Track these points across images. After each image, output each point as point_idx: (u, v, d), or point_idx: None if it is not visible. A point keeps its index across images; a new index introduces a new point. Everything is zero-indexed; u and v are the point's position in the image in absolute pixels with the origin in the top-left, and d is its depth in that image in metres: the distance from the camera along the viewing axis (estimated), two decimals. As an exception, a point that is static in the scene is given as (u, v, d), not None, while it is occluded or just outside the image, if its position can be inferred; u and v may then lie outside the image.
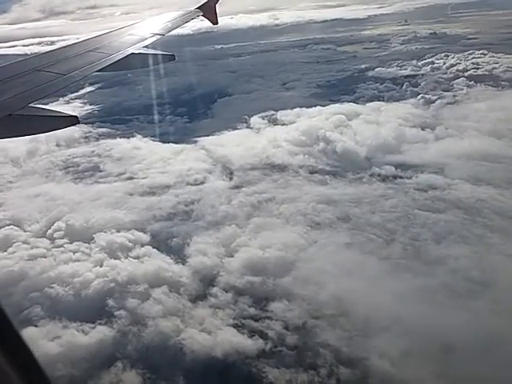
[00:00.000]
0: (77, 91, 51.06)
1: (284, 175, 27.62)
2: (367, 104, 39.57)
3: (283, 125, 35.75)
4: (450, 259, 18.27)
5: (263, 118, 37.56)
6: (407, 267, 18.16)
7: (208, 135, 34.66)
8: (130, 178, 28.49)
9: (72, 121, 4.59)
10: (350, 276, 17.94)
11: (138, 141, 34.60)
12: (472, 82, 43.77)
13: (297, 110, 38.34)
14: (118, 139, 35.39)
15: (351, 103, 39.82)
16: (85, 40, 7.59)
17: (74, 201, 25.71)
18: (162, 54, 7.41)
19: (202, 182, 27.27)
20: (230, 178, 27.94)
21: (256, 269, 18.81)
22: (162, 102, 43.97)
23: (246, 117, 37.75)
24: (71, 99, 49.66)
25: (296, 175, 27.47)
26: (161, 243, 21.39)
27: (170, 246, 21.15)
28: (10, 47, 76.11)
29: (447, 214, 21.84)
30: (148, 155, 31.81)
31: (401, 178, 25.97)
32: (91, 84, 52.39)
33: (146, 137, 35.24)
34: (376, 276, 17.86)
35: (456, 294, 16.25)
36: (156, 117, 40.20)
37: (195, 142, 33.79)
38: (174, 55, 7.54)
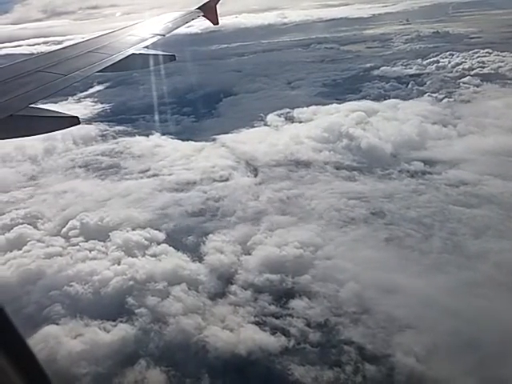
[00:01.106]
0: (86, 90, 51.20)
1: (310, 171, 27.72)
2: (383, 101, 39.90)
3: (300, 122, 35.87)
4: (491, 253, 18.21)
5: (279, 115, 37.68)
6: (450, 261, 18.15)
7: (226, 133, 34.81)
8: (156, 175, 28.59)
9: (73, 121, 4.55)
10: (396, 271, 17.93)
11: (157, 138, 34.66)
12: (479, 81, 43.73)
13: (313, 107, 38.49)
14: (137, 137, 35.49)
15: (367, 100, 40.17)
16: (85, 40, 7.62)
17: (104, 197, 25.85)
18: (163, 55, 7.40)
19: (228, 179, 27.41)
20: (255, 175, 28.09)
21: (304, 264, 18.88)
22: (170, 100, 44.19)
23: (262, 115, 37.96)
24: (81, 98, 49.76)
25: (323, 171, 27.55)
26: (180, 241, 21.34)
27: (194, 243, 21.17)
28: (15, 47, 76.12)
29: (482, 209, 21.80)
30: (170, 152, 31.85)
31: (430, 173, 26.02)
32: (100, 83, 52.48)
33: (163, 135, 35.32)
34: (421, 270, 17.84)
35: (504, 287, 16.16)
36: (167, 115, 40.39)
37: (214, 139, 33.91)
38: (174, 55, 7.51)
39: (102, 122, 39.23)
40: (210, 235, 21.65)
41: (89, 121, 40.61)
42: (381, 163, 27.47)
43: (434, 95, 40.35)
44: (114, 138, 36.22)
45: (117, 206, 24.48)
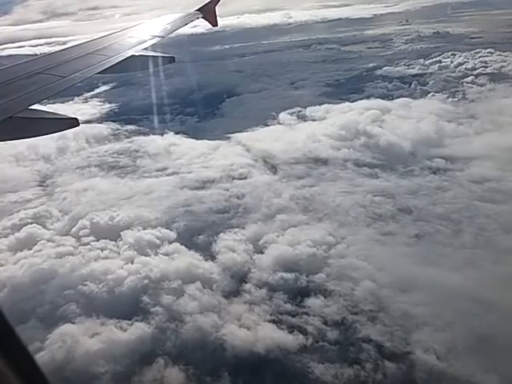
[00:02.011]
0: (92, 90, 51.19)
1: (331, 168, 27.76)
2: (394, 100, 39.97)
3: (314, 120, 35.87)
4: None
5: (291, 114, 37.79)
6: (483, 256, 18.14)
7: (239, 131, 34.86)
8: (175, 173, 28.59)
9: (72, 123, 4.56)
10: (430, 266, 17.90)
11: (171, 137, 34.63)
12: (482, 81, 43.78)
13: (325, 105, 38.73)
14: (151, 136, 35.41)
15: (378, 99, 40.30)
16: (85, 42, 7.63)
17: (127, 194, 25.94)
18: (162, 56, 7.41)
19: (248, 177, 27.49)
20: (275, 172, 28.18)
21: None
22: (176, 100, 44.32)
23: (274, 113, 38.05)
24: (87, 98, 49.73)
25: (343, 169, 27.60)
26: (191, 240, 21.30)
27: (205, 242, 21.16)
28: (18, 47, 75.91)
29: (509, 204, 21.80)
30: (186, 151, 31.85)
31: (452, 170, 26.05)
32: (105, 83, 52.47)
33: (177, 133, 35.31)
34: (456, 265, 17.81)
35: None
36: (175, 115, 40.45)
37: (228, 138, 33.93)
38: (173, 57, 7.49)
39: (112, 121, 39.11)
40: (221, 234, 21.57)
41: (99, 120, 40.74)
42: (400, 160, 27.53)
43: (452, 93, 40.52)
44: (128, 137, 36.22)
45: (140, 204, 24.58)
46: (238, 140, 33.38)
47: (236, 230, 21.62)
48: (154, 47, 7.55)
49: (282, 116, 37.56)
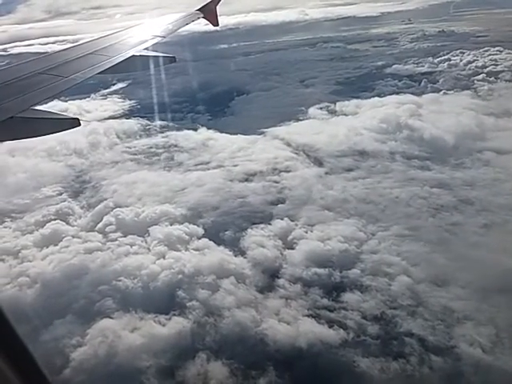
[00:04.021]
0: (108, 87, 51.09)
1: (379, 161, 27.72)
2: (422, 96, 39.81)
3: (345, 115, 35.97)
4: None
5: (320, 108, 37.86)
6: None
7: (273, 126, 34.78)
8: (220, 167, 28.64)
9: (74, 123, 4.59)
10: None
11: (205, 132, 34.59)
12: (493, 78, 43.85)
13: (354, 101, 39.01)
14: (185, 131, 35.25)
15: (408, 94, 40.21)
16: (86, 42, 7.66)
17: (179, 186, 25.95)
18: (163, 56, 7.41)
19: (294, 169, 27.44)
20: (320, 165, 28.11)
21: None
22: (197, 97, 44.49)
23: (303, 108, 38.39)
24: (105, 95, 49.60)
25: (392, 161, 27.57)
26: (219, 236, 21.22)
27: (232, 238, 21.07)
28: (27, 46, 75.66)
29: None
30: (225, 145, 31.81)
31: (503, 163, 25.76)
32: (120, 80, 52.31)
33: (209, 129, 35.24)
34: None
35: None
36: (197, 111, 40.69)
37: (262, 132, 33.91)
38: (174, 57, 7.52)
39: (141, 117, 38.89)
40: (249, 230, 21.50)
41: (126, 116, 40.65)
42: (449, 153, 27.46)
43: (479, 88, 40.68)
44: (160, 132, 36.04)
45: (196, 196, 24.65)
46: (273, 134, 33.34)
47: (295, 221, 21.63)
48: (156, 46, 7.57)
49: (312, 111, 37.83)
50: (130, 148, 33.13)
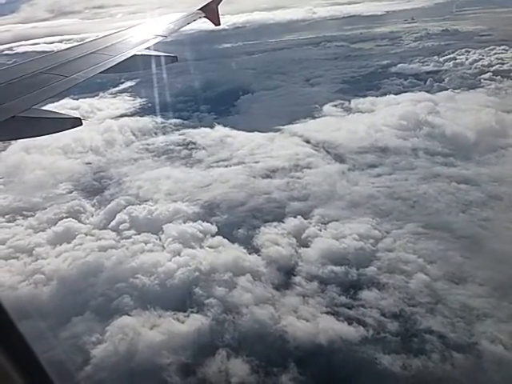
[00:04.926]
0: (117, 86, 51.03)
1: (403, 157, 27.61)
2: (437, 93, 39.71)
3: (361, 112, 35.92)
4: None
5: (335, 106, 37.88)
6: None
7: (290, 123, 34.70)
8: (241, 163, 28.59)
9: (75, 122, 4.61)
10: None
11: (222, 129, 34.47)
12: (499, 77, 43.72)
13: (369, 98, 38.99)
14: (202, 128, 35.17)
15: (423, 92, 40.11)
16: (88, 42, 7.67)
17: (203, 182, 26.01)
18: (165, 56, 7.40)
19: (316, 166, 27.34)
20: (342, 161, 28.02)
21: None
22: (206, 95, 44.52)
23: (316, 106, 38.45)
24: (114, 93, 49.53)
25: (416, 157, 27.46)
26: (231, 234, 21.17)
27: (245, 236, 20.96)
28: (32, 45, 75.61)
29: None
30: (243, 142, 31.69)
31: None
32: (128, 79, 52.19)
33: (225, 126, 35.15)
34: None
35: None
36: (208, 109, 40.66)
37: (279, 129, 33.81)
38: (176, 57, 7.50)
39: (154, 114, 38.82)
40: (262, 228, 21.47)
41: (139, 114, 40.59)
42: (471, 150, 27.28)
43: (494, 86, 40.52)
44: (176, 129, 35.97)
45: (221, 191, 24.67)
46: (291, 131, 33.25)
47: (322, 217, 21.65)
48: (159, 46, 7.56)
49: (327, 108, 37.84)
50: (148, 145, 33.15)
